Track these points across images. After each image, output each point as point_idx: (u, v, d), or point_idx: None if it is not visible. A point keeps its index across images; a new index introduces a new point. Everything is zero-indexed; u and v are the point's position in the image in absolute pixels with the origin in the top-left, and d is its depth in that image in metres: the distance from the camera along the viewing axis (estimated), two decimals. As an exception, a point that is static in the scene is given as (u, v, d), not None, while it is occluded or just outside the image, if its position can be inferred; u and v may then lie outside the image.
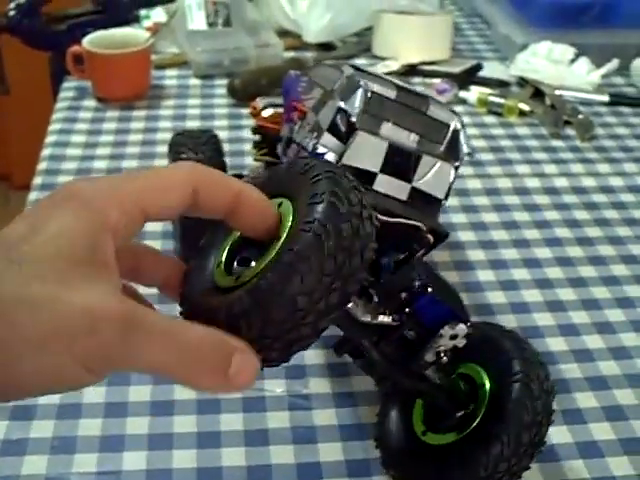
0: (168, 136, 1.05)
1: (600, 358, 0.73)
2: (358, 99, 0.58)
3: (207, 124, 1.08)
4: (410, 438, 0.59)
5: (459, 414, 0.56)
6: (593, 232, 0.90)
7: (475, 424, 0.55)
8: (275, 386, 0.69)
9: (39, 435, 0.64)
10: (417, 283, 0.53)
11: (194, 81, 1.20)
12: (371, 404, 0.67)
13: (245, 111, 1.11)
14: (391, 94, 0.59)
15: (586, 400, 0.69)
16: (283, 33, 1.29)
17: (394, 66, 1.23)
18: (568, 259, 0.85)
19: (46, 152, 1.02)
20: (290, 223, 0.40)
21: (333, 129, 0.58)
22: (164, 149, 1.03)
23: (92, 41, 1.12)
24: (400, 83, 0.60)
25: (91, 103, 1.14)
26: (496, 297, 0.79)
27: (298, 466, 0.62)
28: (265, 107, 0.75)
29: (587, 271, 0.83)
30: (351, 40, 1.31)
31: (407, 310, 0.53)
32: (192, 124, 1.08)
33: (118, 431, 0.65)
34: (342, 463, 0.62)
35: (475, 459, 0.53)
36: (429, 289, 0.53)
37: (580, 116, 1.11)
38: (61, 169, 0.98)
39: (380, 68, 1.21)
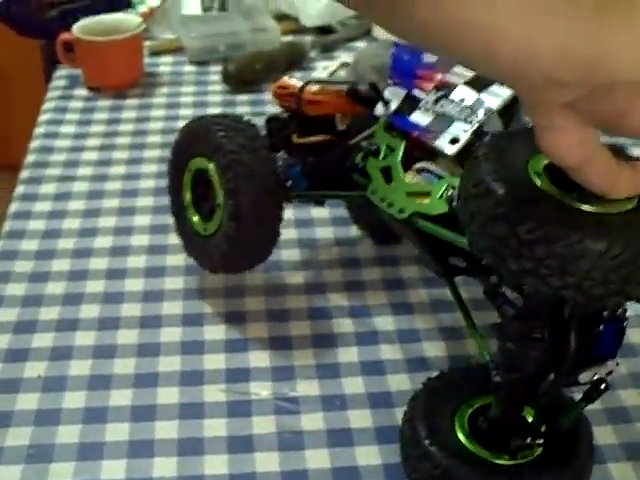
0: (160, 125, 1.03)
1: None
2: None
3: (200, 112, 1.05)
4: (451, 436, 0.56)
5: (537, 441, 0.55)
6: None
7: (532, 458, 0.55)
8: (261, 389, 0.66)
9: (15, 443, 0.62)
10: (620, 310, 0.52)
11: (189, 67, 1.17)
12: (360, 407, 0.64)
13: (241, 98, 1.08)
14: None
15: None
16: (280, 17, 1.25)
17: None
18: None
19: (35, 144, 0.99)
20: None
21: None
22: (156, 139, 1.00)
23: (82, 28, 1.08)
24: None
25: (82, 92, 1.11)
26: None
27: (283, 474, 0.59)
28: (307, 83, 0.71)
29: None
30: (351, 23, 1.26)
31: (600, 328, 0.51)
32: (185, 112, 1.05)
33: (97, 438, 0.62)
34: (329, 471, 0.59)
35: None
36: (625, 322, 0.52)
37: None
38: (49, 161, 0.95)
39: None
